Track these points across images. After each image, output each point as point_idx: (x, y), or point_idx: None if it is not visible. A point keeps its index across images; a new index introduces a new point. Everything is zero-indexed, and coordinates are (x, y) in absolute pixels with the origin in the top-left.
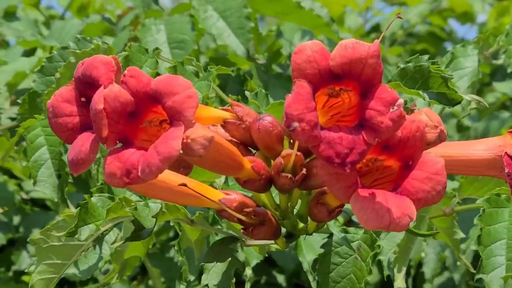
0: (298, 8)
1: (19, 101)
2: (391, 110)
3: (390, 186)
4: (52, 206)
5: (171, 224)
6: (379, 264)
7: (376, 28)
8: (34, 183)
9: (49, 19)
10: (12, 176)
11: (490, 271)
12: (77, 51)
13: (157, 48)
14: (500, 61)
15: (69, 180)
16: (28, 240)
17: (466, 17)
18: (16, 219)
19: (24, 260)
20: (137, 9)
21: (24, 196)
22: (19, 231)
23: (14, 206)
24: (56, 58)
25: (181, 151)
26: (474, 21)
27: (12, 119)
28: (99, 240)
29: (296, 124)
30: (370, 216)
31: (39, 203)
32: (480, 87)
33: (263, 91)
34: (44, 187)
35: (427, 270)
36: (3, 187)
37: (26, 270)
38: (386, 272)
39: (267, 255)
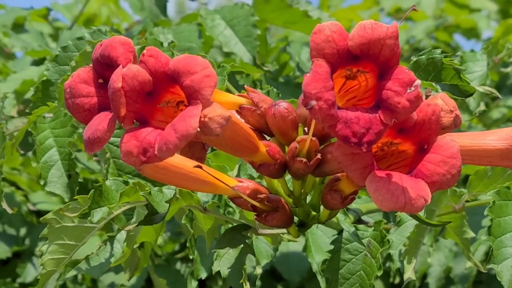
0: (305, 17)
1: (32, 89)
2: (408, 90)
3: (405, 170)
4: None
5: (183, 221)
6: (385, 276)
7: None
8: (45, 184)
9: (57, 30)
10: (18, 188)
11: (501, 261)
12: (93, 41)
13: (172, 41)
14: (508, 69)
15: (80, 180)
16: (40, 219)
17: (472, 33)
18: (22, 231)
19: (29, 272)
20: (145, 21)
21: (31, 207)
22: (24, 243)
23: (21, 217)
24: (70, 48)
25: (198, 129)
26: (479, 37)
27: None
28: (111, 239)
29: (313, 102)
30: (386, 196)
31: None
32: (487, 102)
33: (275, 90)
34: (55, 188)
35: (431, 281)
36: (11, 198)
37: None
38: (395, 266)
39: (272, 268)
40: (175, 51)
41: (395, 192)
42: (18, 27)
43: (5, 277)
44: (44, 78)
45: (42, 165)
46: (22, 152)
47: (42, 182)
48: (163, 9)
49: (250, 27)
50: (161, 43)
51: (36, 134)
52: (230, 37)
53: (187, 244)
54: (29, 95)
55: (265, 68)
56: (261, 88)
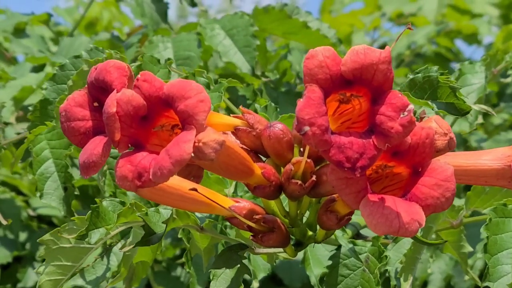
0: (304, 28)
1: (30, 108)
2: (401, 115)
3: (399, 193)
4: (58, 223)
5: (179, 236)
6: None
7: (383, 48)
8: (41, 196)
9: (58, 35)
10: (19, 192)
11: (496, 279)
12: (90, 59)
13: (169, 59)
14: (508, 79)
15: (76, 193)
16: (38, 240)
17: (473, 38)
18: (23, 236)
19: (30, 277)
20: (146, 28)
21: (31, 213)
22: (25, 248)
23: (21, 222)
24: (68, 67)
25: (192, 155)
26: (480, 42)
27: (18, 134)
28: (107, 252)
29: (307, 128)
30: (380, 220)
31: (46, 220)
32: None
33: (273, 104)
34: (51, 200)
35: None
36: (11, 203)
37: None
38: (393, 282)
39: (273, 273)
40: (172, 67)
41: (389, 217)
42: (19, 31)
43: (6, 282)
44: (42, 98)
45: (38, 177)
46: (20, 161)
47: (38, 194)
48: (164, 16)
49: (250, 37)
50: (158, 60)
51: (33, 146)
52: (229, 46)
53: (183, 259)
54: (28, 101)
55: (264, 79)
56: (261, 97)
